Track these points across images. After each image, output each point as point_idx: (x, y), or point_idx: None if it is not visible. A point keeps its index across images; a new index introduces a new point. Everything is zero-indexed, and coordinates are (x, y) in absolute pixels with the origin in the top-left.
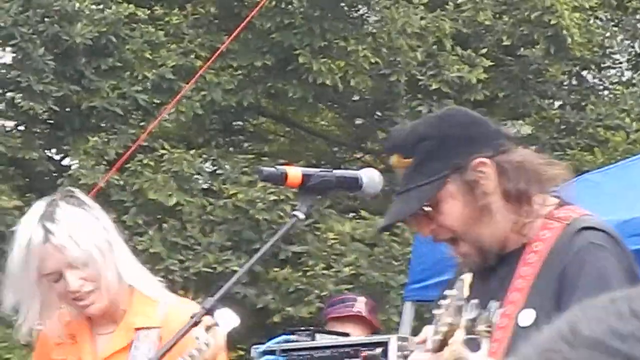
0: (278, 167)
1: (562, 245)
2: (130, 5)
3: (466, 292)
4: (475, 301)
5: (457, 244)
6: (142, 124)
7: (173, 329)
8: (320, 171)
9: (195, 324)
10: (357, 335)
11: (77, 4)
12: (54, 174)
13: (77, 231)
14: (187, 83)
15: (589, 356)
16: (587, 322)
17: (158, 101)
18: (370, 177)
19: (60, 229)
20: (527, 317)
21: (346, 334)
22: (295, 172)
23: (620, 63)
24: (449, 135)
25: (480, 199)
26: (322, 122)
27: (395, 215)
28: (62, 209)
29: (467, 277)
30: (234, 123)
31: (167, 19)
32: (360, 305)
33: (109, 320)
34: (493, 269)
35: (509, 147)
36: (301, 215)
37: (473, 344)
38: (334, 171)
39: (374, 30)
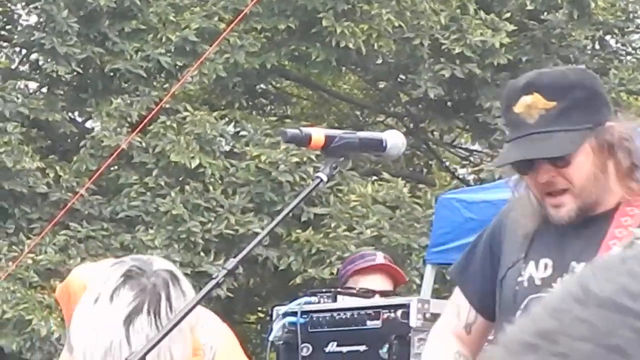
0: (302, 128)
1: None
2: None
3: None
4: (548, 261)
5: (563, 197)
6: (165, 86)
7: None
8: (344, 133)
9: (218, 284)
10: (381, 286)
11: None
12: (77, 136)
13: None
14: (211, 45)
15: (600, 315)
16: (598, 281)
17: (181, 63)
18: (394, 140)
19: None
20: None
21: (367, 295)
22: (318, 134)
23: None
24: (596, 91)
25: (607, 161)
26: (345, 86)
27: (552, 151)
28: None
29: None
30: (257, 86)
31: None
32: (380, 257)
33: None
34: (575, 230)
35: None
36: (324, 177)
37: None
38: (358, 133)
39: None
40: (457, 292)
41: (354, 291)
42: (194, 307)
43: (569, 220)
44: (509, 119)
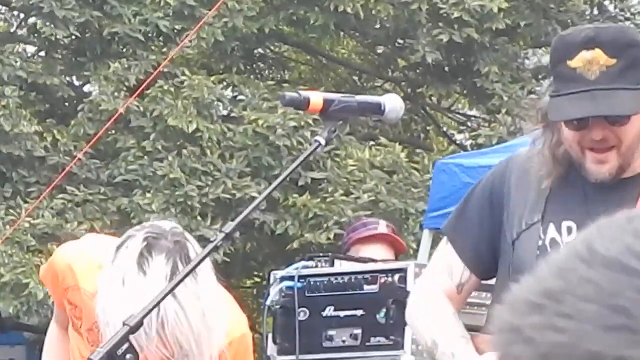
0: (301, 92)
1: None
2: None
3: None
4: (571, 224)
5: (609, 153)
6: (163, 50)
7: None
8: (342, 97)
9: (216, 248)
10: (382, 255)
11: None
12: (75, 100)
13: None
14: (209, 10)
15: (606, 275)
16: (604, 241)
17: (180, 28)
18: (393, 104)
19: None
20: None
21: (365, 261)
22: (317, 98)
23: None
24: None
25: None
26: (344, 50)
27: (619, 110)
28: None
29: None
30: (256, 50)
31: None
32: (382, 226)
33: None
34: (601, 192)
35: None
36: (323, 141)
37: None
38: (356, 97)
39: None
40: (449, 249)
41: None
42: (193, 269)
43: (609, 177)
44: (563, 72)
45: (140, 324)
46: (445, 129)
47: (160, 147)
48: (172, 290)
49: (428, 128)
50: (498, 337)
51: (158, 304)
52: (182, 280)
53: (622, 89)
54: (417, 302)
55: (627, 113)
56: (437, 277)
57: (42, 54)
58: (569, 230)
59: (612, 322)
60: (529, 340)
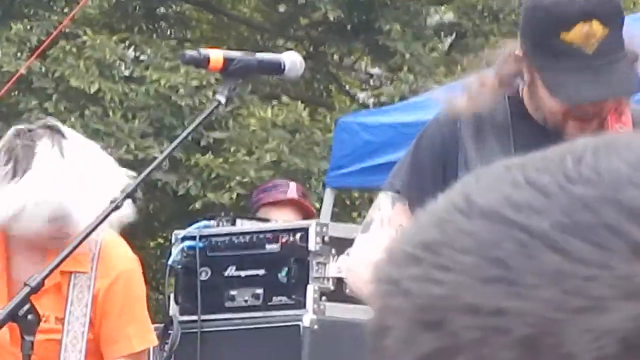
0: (201, 50)
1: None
2: None
3: None
4: None
5: (589, 123)
6: (65, 10)
7: (108, 281)
8: (242, 55)
9: (117, 207)
10: (291, 219)
11: None
12: None
13: (71, 177)
14: None
15: (484, 226)
16: (481, 191)
17: None
18: (292, 61)
19: (60, 191)
20: None
21: (267, 220)
22: (217, 55)
23: None
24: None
25: None
26: (245, 9)
27: (628, 87)
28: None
29: None
30: (157, 9)
31: None
32: (293, 190)
33: (38, 251)
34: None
35: None
36: (222, 100)
37: None
38: (256, 55)
39: None
40: (399, 208)
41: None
42: (95, 228)
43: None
44: (556, 46)
45: (41, 285)
46: (347, 87)
47: (62, 108)
48: (73, 250)
49: (330, 86)
50: (377, 288)
51: (59, 263)
52: (82, 241)
53: (617, 60)
54: (363, 261)
55: (632, 91)
56: (388, 238)
57: None
58: None
59: (489, 274)
60: (407, 292)
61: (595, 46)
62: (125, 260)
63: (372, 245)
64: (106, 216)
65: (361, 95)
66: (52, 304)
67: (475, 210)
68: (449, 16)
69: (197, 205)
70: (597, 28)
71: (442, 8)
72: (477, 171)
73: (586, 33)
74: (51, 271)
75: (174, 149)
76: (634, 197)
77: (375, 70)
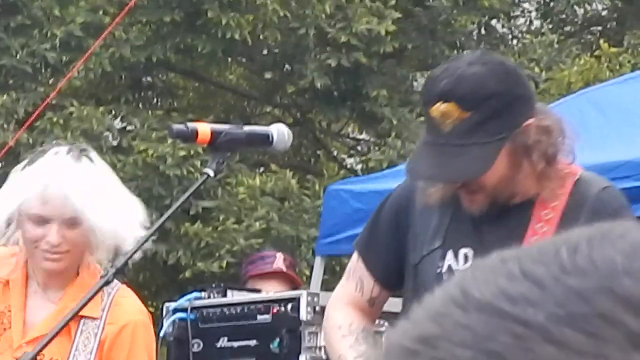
0: (188, 124)
1: (583, 202)
2: None
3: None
4: (468, 251)
5: (476, 195)
6: (51, 81)
7: (117, 327)
8: (230, 128)
9: (107, 283)
10: (279, 290)
11: None
12: None
13: (95, 183)
14: (96, 40)
15: (480, 319)
16: (478, 284)
17: (67, 59)
18: (281, 133)
19: (81, 180)
20: None
21: (258, 290)
22: (204, 129)
23: (530, 12)
24: (516, 95)
25: (522, 160)
26: (231, 76)
27: (465, 174)
28: (86, 166)
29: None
30: (143, 79)
31: None
32: (279, 261)
33: (55, 285)
34: (494, 219)
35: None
36: (211, 173)
37: None
38: (244, 127)
39: None
40: (359, 264)
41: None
42: (84, 305)
43: (481, 213)
44: (427, 117)
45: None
46: (335, 153)
47: None
48: (70, 319)
49: (318, 152)
50: None
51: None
52: (80, 310)
53: (473, 144)
54: (330, 317)
55: (473, 176)
56: (347, 289)
57: None
58: (465, 257)
59: None
60: None
61: (450, 127)
62: (135, 310)
63: (336, 305)
64: (97, 290)
65: (349, 161)
66: (58, 348)
67: (471, 303)
68: None
69: (187, 274)
70: (453, 109)
71: (429, 73)
72: (474, 263)
73: (442, 112)
74: (43, 347)
75: (163, 222)
76: (629, 287)
77: (363, 136)
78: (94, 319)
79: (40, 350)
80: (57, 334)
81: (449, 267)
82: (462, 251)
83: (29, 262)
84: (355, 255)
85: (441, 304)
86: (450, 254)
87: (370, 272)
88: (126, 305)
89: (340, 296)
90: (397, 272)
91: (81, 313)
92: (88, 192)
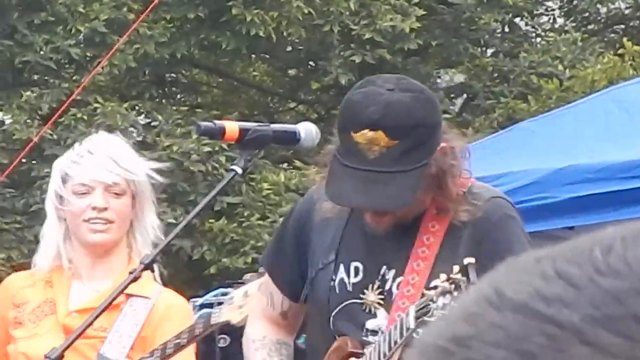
0: (216, 122)
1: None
2: None
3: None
4: (358, 264)
5: (383, 217)
6: (75, 78)
7: (167, 306)
8: (258, 126)
9: (135, 279)
10: None
11: None
12: None
13: (134, 162)
14: (120, 36)
15: (514, 320)
16: (512, 284)
17: (91, 55)
18: (308, 131)
19: (122, 153)
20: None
21: None
22: (232, 127)
23: (553, 10)
24: (436, 122)
25: (434, 184)
26: (255, 73)
27: (393, 203)
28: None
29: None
30: (167, 75)
31: None
32: None
33: (103, 276)
34: (384, 234)
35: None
36: (239, 170)
37: (359, 310)
38: (271, 125)
39: None
40: (268, 279)
41: None
42: (111, 302)
43: (385, 233)
44: (346, 140)
45: (61, 357)
46: None
47: None
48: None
49: None
50: None
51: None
52: (105, 308)
53: (399, 172)
54: (246, 332)
55: (390, 209)
56: (260, 304)
57: None
58: (356, 270)
59: None
60: None
61: (377, 154)
62: (181, 299)
63: (251, 319)
64: (126, 287)
65: None
66: (107, 319)
67: (505, 303)
68: (459, 78)
69: (212, 270)
70: (381, 137)
71: (452, 70)
72: (507, 262)
73: (370, 139)
74: (70, 344)
75: (190, 219)
76: None
77: None
78: (144, 297)
79: (76, 338)
80: (103, 310)
81: (341, 279)
82: (353, 264)
83: (73, 256)
84: (266, 276)
85: (475, 303)
86: (342, 267)
87: (278, 286)
88: (176, 295)
89: (255, 310)
90: (304, 285)
91: (131, 292)
92: (130, 159)
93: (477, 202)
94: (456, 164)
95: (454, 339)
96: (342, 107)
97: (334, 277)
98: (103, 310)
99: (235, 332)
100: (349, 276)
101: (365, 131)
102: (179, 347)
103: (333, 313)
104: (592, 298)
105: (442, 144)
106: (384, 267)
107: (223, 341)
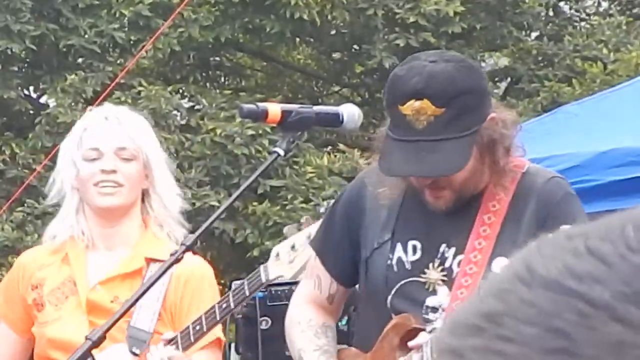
0: (258, 104)
1: (529, 193)
2: None
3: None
4: (416, 243)
5: (443, 191)
6: (119, 61)
7: (186, 273)
8: (300, 107)
9: (177, 260)
10: None
11: None
12: (31, 112)
13: (145, 131)
14: (165, 20)
15: (545, 297)
16: (544, 261)
17: (135, 38)
18: (350, 113)
19: (131, 120)
20: (502, 264)
21: None
22: (275, 109)
23: None
24: (482, 90)
25: (486, 154)
26: (300, 57)
27: (445, 168)
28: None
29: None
30: (212, 59)
31: None
32: None
33: (119, 244)
34: (443, 212)
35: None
36: (281, 152)
37: (418, 288)
38: (314, 107)
39: None
40: (316, 262)
41: None
42: (156, 281)
43: (446, 209)
44: (394, 115)
45: (102, 338)
46: None
47: None
48: (145, 291)
49: None
50: (439, 359)
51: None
52: (152, 284)
53: (448, 139)
54: (290, 315)
55: (451, 173)
56: (306, 289)
57: None
58: (414, 249)
59: (551, 345)
60: None
61: (425, 123)
62: (203, 261)
63: (296, 302)
64: (168, 268)
65: None
66: (129, 289)
67: (537, 280)
68: (504, 61)
69: (255, 252)
70: (427, 106)
71: (497, 53)
72: (539, 240)
73: (417, 109)
74: (113, 324)
75: (233, 201)
76: None
77: None
78: (164, 261)
79: (116, 321)
80: (146, 290)
81: (399, 258)
82: (411, 243)
83: (87, 226)
84: (312, 254)
85: (506, 280)
86: (399, 246)
87: (327, 269)
88: (196, 258)
89: (300, 294)
90: (353, 268)
91: (153, 256)
92: (141, 127)
93: (537, 181)
94: (507, 133)
95: (485, 315)
96: (387, 83)
97: (390, 255)
98: (146, 290)
99: (277, 314)
100: (406, 254)
101: (411, 102)
102: (227, 311)
103: (392, 292)
104: (623, 275)
105: (493, 114)
106: (444, 245)
107: (265, 323)
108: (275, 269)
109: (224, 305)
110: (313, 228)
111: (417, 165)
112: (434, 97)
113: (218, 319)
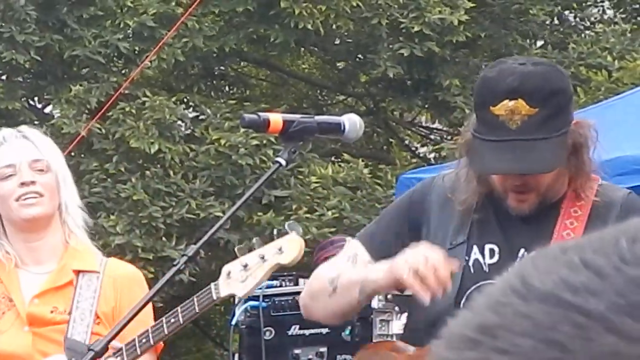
0: (260, 113)
1: (611, 202)
2: None
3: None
4: (494, 247)
5: (529, 194)
6: (123, 72)
7: (114, 277)
8: (302, 117)
9: (179, 271)
10: None
11: None
12: (36, 123)
13: (50, 145)
14: (169, 30)
15: (541, 309)
16: (539, 274)
17: (139, 49)
18: (352, 122)
19: (37, 136)
20: None
21: None
22: (276, 119)
23: (602, 1)
24: (570, 92)
25: (573, 158)
26: (304, 66)
27: (544, 166)
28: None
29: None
30: (216, 69)
31: None
32: None
33: (46, 257)
34: (522, 216)
35: None
36: (283, 162)
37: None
38: (316, 117)
39: None
40: (357, 244)
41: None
42: (156, 293)
43: (529, 212)
44: (486, 117)
45: (105, 348)
46: (407, 142)
47: (123, 169)
48: (139, 311)
49: (390, 141)
50: None
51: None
52: (155, 295)
53: (542, 139)
54: (314, 275)
55: (548, 170)
56: (340, 262)
57: (3, 78)
58: (492, 252)
59: (547, 356)
60: None
61: (519, 123)
62: (130, 266)
63: (323, 266)
64: (169, 279)
65: (422, 150)
66: (64, 299)
67: (532, 293)
68: None
69: None
70: (521, 106)
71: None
72: (533, 253)
73: (511, 109)
74: (114, 335)
75: (235, 210)
76: None
77: (436, 125)
78: (93, 272)
79: (118, 332)
80: (131, 318)
81: (476, 260)
82: (488, 246)
83: (12, 245)
84: (359, 244)
85: (501, 293)
86: (475, 249)
87: (367, 250)
88: (121, 263)
89: (330, 263)
90: (388, 257)
91: (81, 268)
92: (44, 141)
93: (617, 193)
94: (591, 137)
95: (480, 328)
96: (477, 85)
97: (467, 257)
98: (146, 302)
99: (280, 324)
100: (484, 257)
101: (505, 102)
102: (175, 325)
103: (467, 292)
104: (617, 287)
105: (576, 119)
106: (522, 250)
107: (269, 333)
108: (227, 287)
109: (172, 320)
110: (266, 249)
111: (515, 164)
112: (528, 96)
113: (166, 333)
